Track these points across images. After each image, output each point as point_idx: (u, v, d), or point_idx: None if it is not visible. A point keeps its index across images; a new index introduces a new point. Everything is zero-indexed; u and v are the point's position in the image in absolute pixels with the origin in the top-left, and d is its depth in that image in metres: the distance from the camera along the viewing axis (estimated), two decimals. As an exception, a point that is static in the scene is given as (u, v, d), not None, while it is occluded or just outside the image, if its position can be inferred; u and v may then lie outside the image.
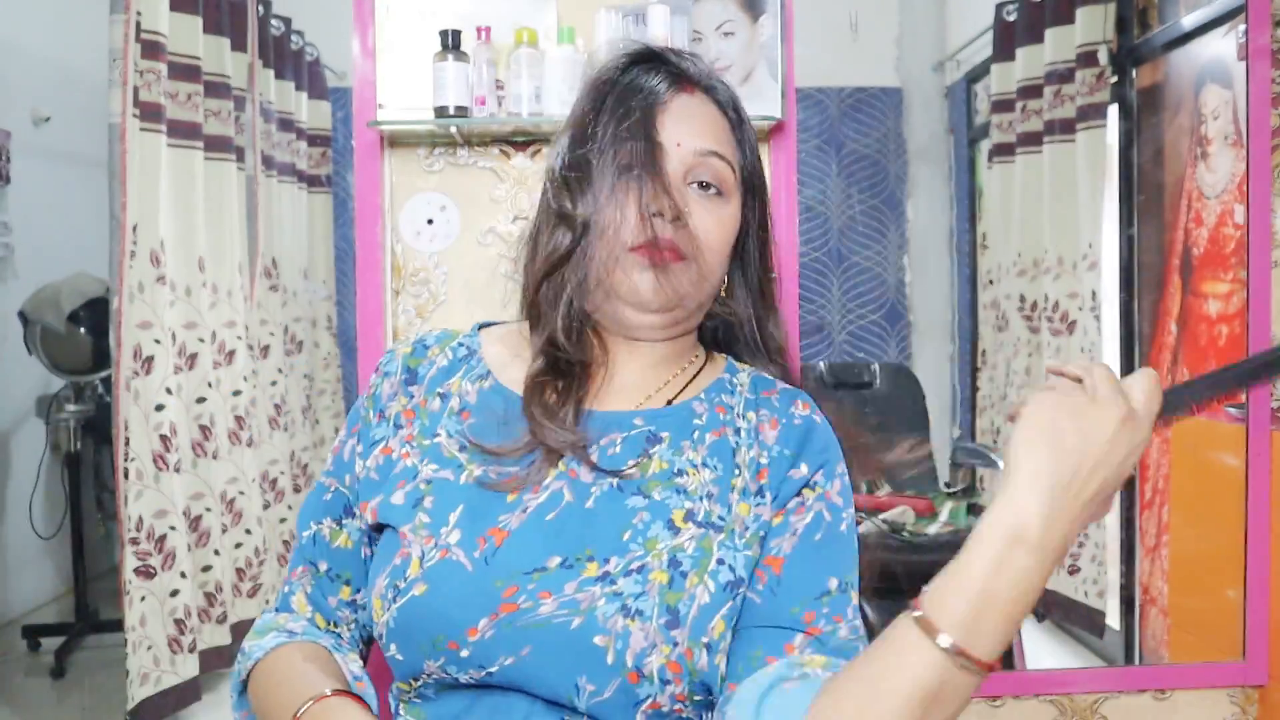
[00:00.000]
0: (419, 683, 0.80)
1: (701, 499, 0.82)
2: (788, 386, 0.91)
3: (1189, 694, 1.79)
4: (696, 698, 0.77)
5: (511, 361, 0.90)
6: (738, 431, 0.86)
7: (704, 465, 0.84)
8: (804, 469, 0.84)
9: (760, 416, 0.87)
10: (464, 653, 0.76)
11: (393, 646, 0.79)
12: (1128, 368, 2.49)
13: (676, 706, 0.76)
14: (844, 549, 0.86)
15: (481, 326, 0.95)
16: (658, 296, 0.83)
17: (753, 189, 0.90)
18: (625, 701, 0.75)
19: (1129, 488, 2.46)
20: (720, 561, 0.79)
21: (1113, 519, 2.44)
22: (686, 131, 0.85)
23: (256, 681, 0.85)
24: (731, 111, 0.91)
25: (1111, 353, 2.53)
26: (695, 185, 0.85)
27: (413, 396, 0.88)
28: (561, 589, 0.76)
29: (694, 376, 0.91)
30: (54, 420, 3.31)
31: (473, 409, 0.86)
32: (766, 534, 0.82)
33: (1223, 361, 2.17)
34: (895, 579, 2.66)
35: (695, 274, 0.83)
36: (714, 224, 0.85)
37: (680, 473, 0.83)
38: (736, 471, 0.84)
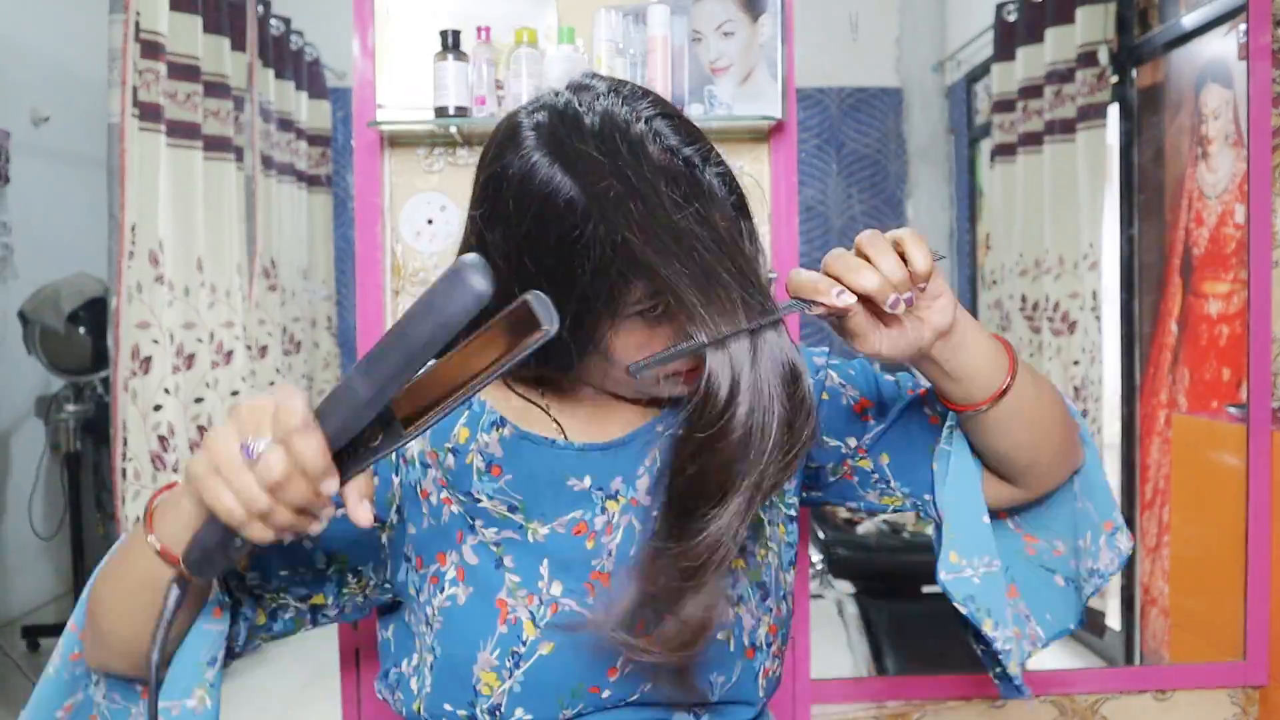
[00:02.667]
0: None
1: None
2: None
3: (1189, 694, 1.79)
4: (784, 647, 0.88)
5: (509, 396, 0.85)
6: None
7: None
8: None
9: None
10: (605, 693, 0.79)
11: (518, 710, 0.78)
12: (1128, 367, 2.49)
13: (775, 664, 0.86)
14: (865, 372, 0.94)
15: None
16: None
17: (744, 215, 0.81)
18: (748, 678, 0.83)
19: (1130, 488, 2.46)
20: (770, 523, 0.88)
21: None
22: None
23: (94, 591, 0.77)
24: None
25: (1112, 352, 2.53)
26: None
27: (424, 441, 0.84)
28: None
29: None
30: (53, 420, 3.30)
31: (502, 464, 0.82)
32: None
33: (1222, 361, 2.17)
34: (895, 579, 2.66)
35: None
36: None
37: None
38: None
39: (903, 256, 0.71)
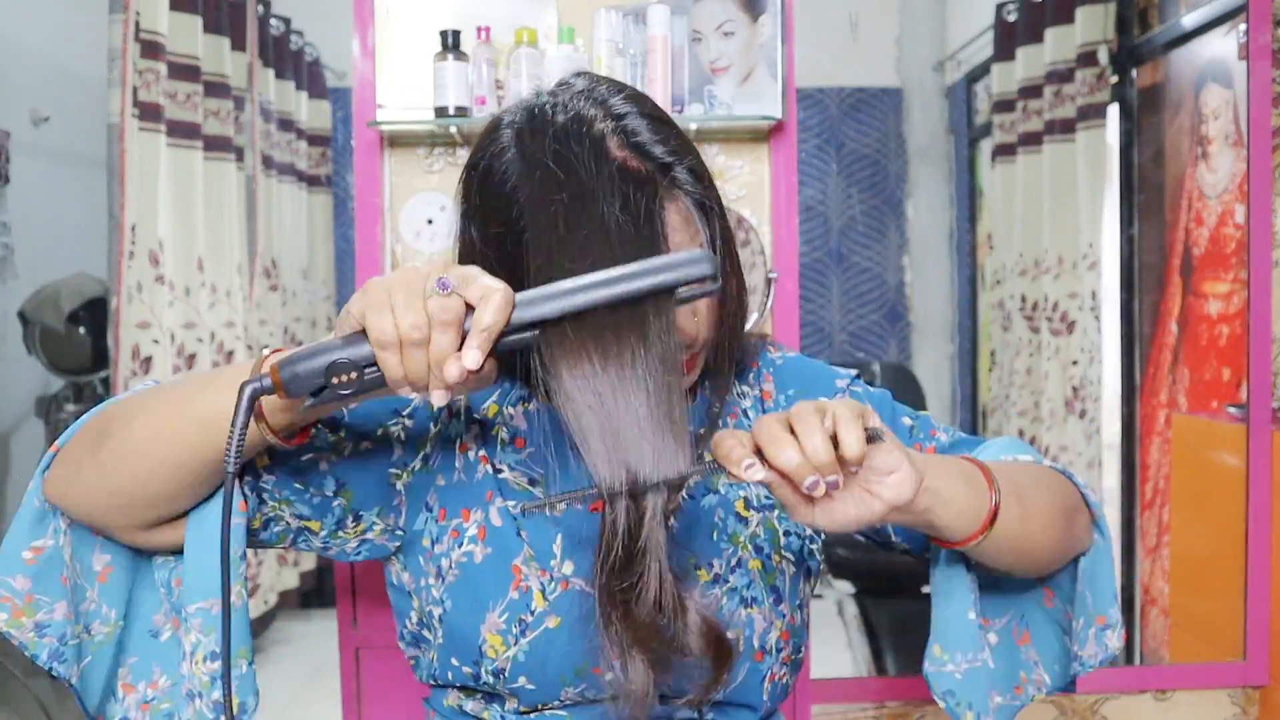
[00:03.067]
0: (547, 707, 0.81)
1: (747, 485, 0.86)
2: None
3: (1189, 694, 1.79)
4: (795, 656, 0.87)
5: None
6: (745, 413, 0.90)
7: None
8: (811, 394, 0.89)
9: (754, 383, 0.91)
10: (608, 675, 0.78)
11: (521, 679, 0.79)
12: (1128, 367, 2.49)
13: (784, 671, 0.86)
14: (881, 405, 0.93)
15: None
16: None
17: (710, 217, 0.80)
18: (753, 681, 0.83)
19: (1130, 488, 2.46)
20: (786, 533, 0.87)
21: (1113, 519, 2.44)
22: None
23: (120, 407, 0.74)
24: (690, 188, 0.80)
25: (1112, 352, 2.53)
26: None
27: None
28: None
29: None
30: (53, 420, 3.30)
31: (526, 436, 0.84)
32: None
33: (1222, 361, 2.17)
34: (895, 579, 2.67)
35: (699, 355, 0.82)
36: (705, 313, 0.80)
37: None
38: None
39: (835, 437, 0.66)
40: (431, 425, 0.84)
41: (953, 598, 0.84)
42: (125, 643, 0.81)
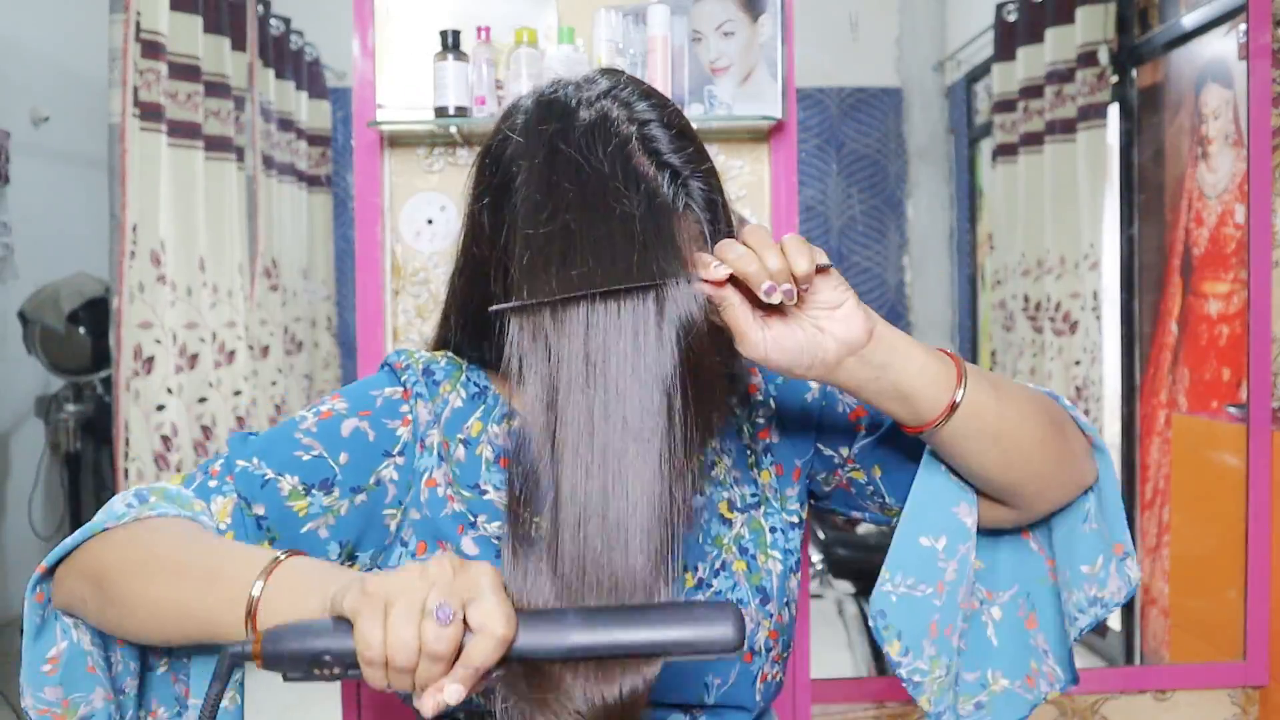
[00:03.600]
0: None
1: (731, 485, 0.87)
2: None
3: (1189, 694, 1.79)
4: (785, 653, 0.87)
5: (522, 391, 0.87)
6: (733, 409, 0.90)
7: (723, 453, 0.88)
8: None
9: (739, 385, 0.91)
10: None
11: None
12: (1128, 367, 2.49)
13: (775, 669, 0.86)
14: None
15: (441, 354, 0.89)
16: None
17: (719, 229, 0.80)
18: (745, 681, 0.83)
19: (1130, 488, 2.46)
20: (773, 530, 0.87)
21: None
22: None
23: (146, 528, 0.73)
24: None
25: (1112, 352, 2.53)
26: None
27: (439, 430, 0.84)
28: None
29: None
30: (54, 420, 3.30)
31: (511, 455, 0.82)
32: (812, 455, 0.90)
33: (1222, 361, 2.17)
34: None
35: None
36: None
37: (711, 465, 0.87)
38: (748, 451, 0.89)
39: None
40: (402, 458, 0.82)
41: (911, 518, 0.83)
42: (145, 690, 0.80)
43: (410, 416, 0.82)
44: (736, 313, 0.71)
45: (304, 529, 0.78)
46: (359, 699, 1.57)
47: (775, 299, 0.68)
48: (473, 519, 0.81)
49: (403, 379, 0.84)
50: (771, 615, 0.84)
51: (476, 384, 0.86)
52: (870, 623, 0.85)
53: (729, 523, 0.86)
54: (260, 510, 0.78)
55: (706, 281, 0.70)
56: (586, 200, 0.71)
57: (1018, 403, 0.79)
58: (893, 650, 0.83)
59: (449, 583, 0.58)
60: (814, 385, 0.90)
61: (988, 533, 0.89)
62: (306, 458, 0.79)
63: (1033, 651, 0.91)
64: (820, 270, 0.70)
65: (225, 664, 0.61)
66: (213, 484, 0.78)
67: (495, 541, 0.81)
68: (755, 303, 0.71)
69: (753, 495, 0.87)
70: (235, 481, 0.78)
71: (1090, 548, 0.87)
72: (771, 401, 0.91)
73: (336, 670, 0.60)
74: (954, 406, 0.75)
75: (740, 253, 0.69)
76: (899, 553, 0.83)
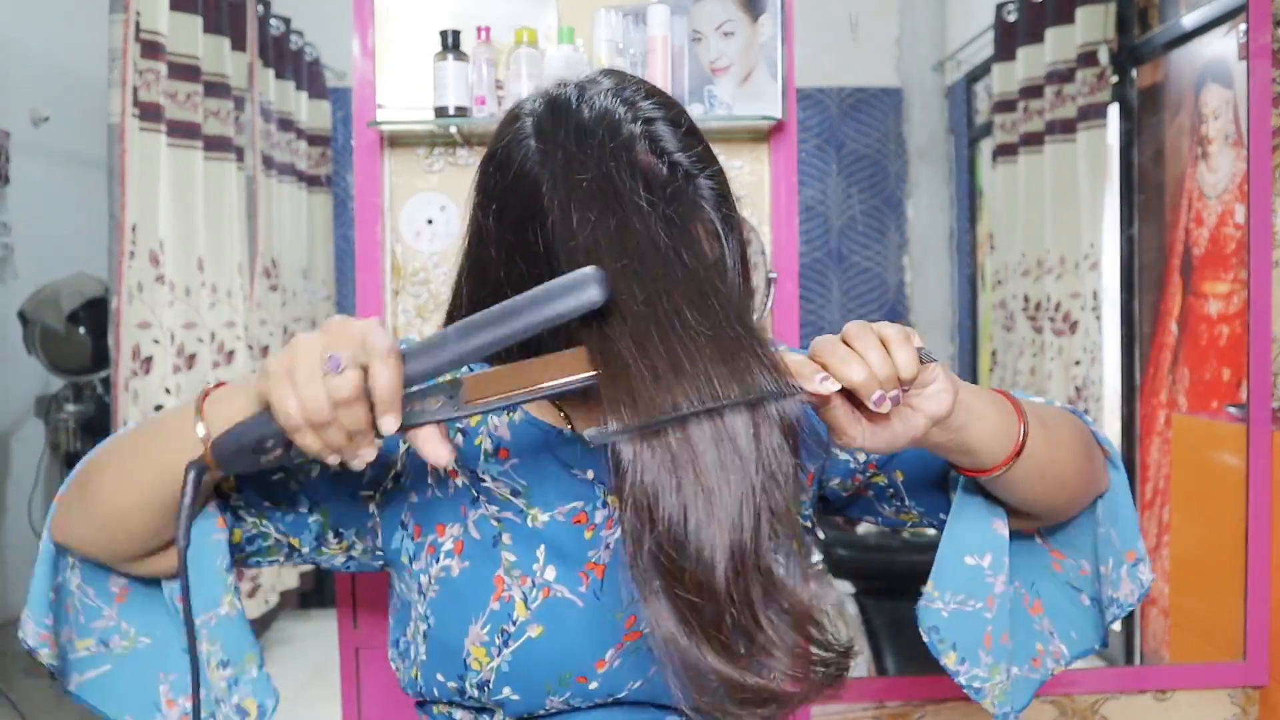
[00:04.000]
0: (533, 717, 0.81)
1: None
2: None
3: (1189, 694, 1.79)
4: None
5: None
6: None
7: None
8: None
9: None
10: (592, 684, 0.78)
11: (505, 689, 0.78)
12: (1128, 367, 2.49)
13: None
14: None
15: None
16: None
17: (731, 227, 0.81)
18: None
19: (1130, 488, 2.45)
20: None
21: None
22: None
23: (112, 437, 0.78)
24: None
25: (1112, 352, 2.53)
26: None
27: None
28: None
29: None
30: (53, 420, 3.30)
31: (510, 447, 0.84)
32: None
33: (1222, 361, 2.17)
34: (895, 579, 2.66)
35: None
36: None
37: None
38: None
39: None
40: (401, 442, 0.82)
41: (954, 539, 0.85)
42: (165, 659, 0.83)
43: None
44: (838, 414, 0.70)
45: (275, 476, 0.81)
46: (359, 698, 1.57)
47: (885, 409, 0.67)
48: (475, 496, 0.82)
49: None
50: None
51: None
52: (924, 637, 0.86)
53: None
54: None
55: (813, 395, 0.67)
56: (602, 204, 0.69)
57: (1063, 438, 0.81)
58: (949, 661, 0.85)
59: (336, 336, 0.62)
60: None
61: None
62: None
63: (1039, 635, 0.92)
64: (921, 363, 0.69)
65: (188, 474, 0.67)
66: None
67: (494, 523, 0.81)
68: (854, 401, 0.70)
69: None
70: None
71: (1104, 550, 0.90)
72: None
73: (279, 451, 0.64)
74: (1016, 456, 0.77)
75: (843, 356, 0.67)
76: (945, 572, 0.85)
